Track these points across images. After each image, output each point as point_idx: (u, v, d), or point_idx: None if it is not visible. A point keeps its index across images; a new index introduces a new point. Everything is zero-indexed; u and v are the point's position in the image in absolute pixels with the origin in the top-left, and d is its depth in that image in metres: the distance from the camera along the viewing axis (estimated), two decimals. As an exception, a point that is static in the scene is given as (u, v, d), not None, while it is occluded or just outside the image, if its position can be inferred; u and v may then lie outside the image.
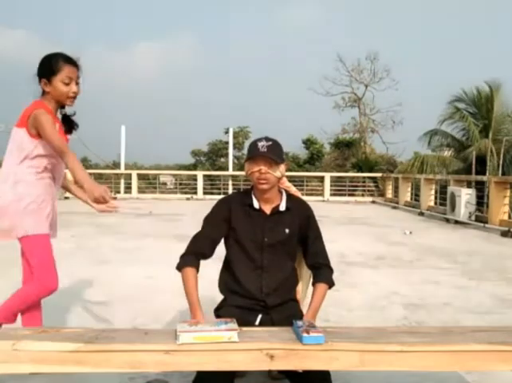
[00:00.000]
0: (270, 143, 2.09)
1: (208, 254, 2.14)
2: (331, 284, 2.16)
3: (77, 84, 2.36)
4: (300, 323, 1.76)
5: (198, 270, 2.08)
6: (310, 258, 2.21)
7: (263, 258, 2.13)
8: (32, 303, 2.43)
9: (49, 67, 2.31)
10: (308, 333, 1.66)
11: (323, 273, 2.17)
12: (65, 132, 2.46)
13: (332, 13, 59.58)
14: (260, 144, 2.08)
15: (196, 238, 2.17)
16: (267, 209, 2.16)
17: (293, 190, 2.32)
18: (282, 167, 2.11)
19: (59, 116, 2.45)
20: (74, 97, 2.37)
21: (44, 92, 2.35)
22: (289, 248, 2.19)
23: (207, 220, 2.20)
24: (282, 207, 2.16)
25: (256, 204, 2.15)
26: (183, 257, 2.12)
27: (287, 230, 2.15)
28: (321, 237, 2.26)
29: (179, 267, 2.08)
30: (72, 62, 2.34)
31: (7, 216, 2.29)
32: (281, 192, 2.21)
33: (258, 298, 2.09)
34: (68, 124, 2.49)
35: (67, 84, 2.31)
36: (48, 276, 2.37)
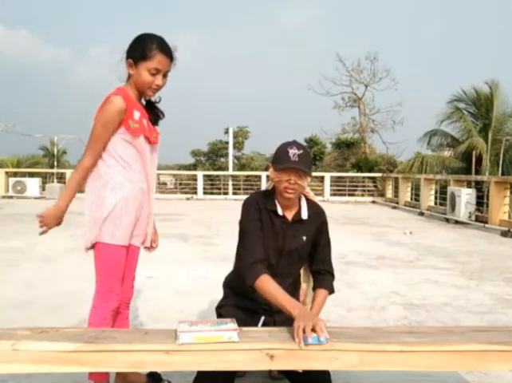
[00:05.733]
0: (301, 151, 1.99)
1: (266, 258, 2.04)
2: (332, 291, 2.17)
3: (165, 76, 2.15)
4: None
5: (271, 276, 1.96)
6: (316, 264, 2.21)
7: (279, 264, 2.12)
8: (101, 316, 2.15)
9: (141, 50, 2.09)
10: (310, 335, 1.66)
11: (326, 279, 2.17)
12: (152, 123, 2.25)
13: (333, 13, 59.60)
14: (291, 151, 1.97)
15: (248, 247, 2.04)
16: (289, 215, 2.13)
17: (311, 195, 2.26)
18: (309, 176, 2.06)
19: (143, 102, 2.25)
20: (156, 89, 2.16)
21: (129, 77, 2.16)
22: (303, 254, 2.18)
23: (247, 225, 2.08)
24: (304, 216, 2.13)
25: (280, 211, 2.10)
26: (249, 269, 1.97)
27: (304, 238, 2.14)
28: (330, 244, 2.25)
29: (253, 280, 1.93)
30: (167, 53, 2.12)
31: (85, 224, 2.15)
32: (299, 197, 2.17)
33: (262, 302, 2.06)
34: (153, 113, 2.27)
35: (153, 75, 2.10)
36: (104, 294, 2.15)
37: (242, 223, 2.11)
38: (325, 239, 2.22)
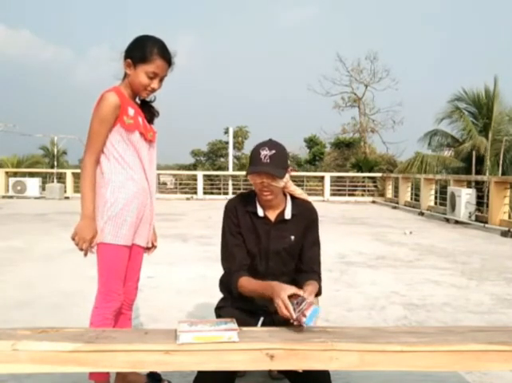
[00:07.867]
0: (273, 151, 1.96)
1: (247, 263, 2.08)
2: (320, 290, 2.09)
3: (161, 81, 2.17)
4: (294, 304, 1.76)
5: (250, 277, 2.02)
6: (303, 263, 2.14)
7: (269, 265, 2.11)
8: (102, 316, 2.13)
9: (141, 52, 2.10)
10: (305, 315, 1.68)
11: (315, 278, 2.09)
12: (148, 121, 2.25)
13: (332, 13, 59.65)
14: (263, 153, 1.96)
15: (228, 255, 2.09)
16: (272, 216, 2.10)
17: (298, 193, 2.21)
18: (286, 174, 2.02)
19: (137, 101, 2.25)
20: (151, 92, 2.18)
21: (125, 76, 2.17)
22: (294, 253, 2.14)
23: (226, 233, 2.11)
24: (288, 215, 2.10)
25: (260, 212, 2.09)
26: (231, 281, 2.05)
27: (292, 237, 2.10)
28: (319, 243, 2.20)
29: (235, 287, 2.01)
30: (167, 58, 2.13)
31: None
32: (285, 195, 2.14)
33: (261, 303, 2.04)
34: (149, 111, 2.27)
35: (150, 78, 2.11)
36: (106, 294, 2.14)
37: (222, 230, 2.15)
38: (313, 237, 2.16)
